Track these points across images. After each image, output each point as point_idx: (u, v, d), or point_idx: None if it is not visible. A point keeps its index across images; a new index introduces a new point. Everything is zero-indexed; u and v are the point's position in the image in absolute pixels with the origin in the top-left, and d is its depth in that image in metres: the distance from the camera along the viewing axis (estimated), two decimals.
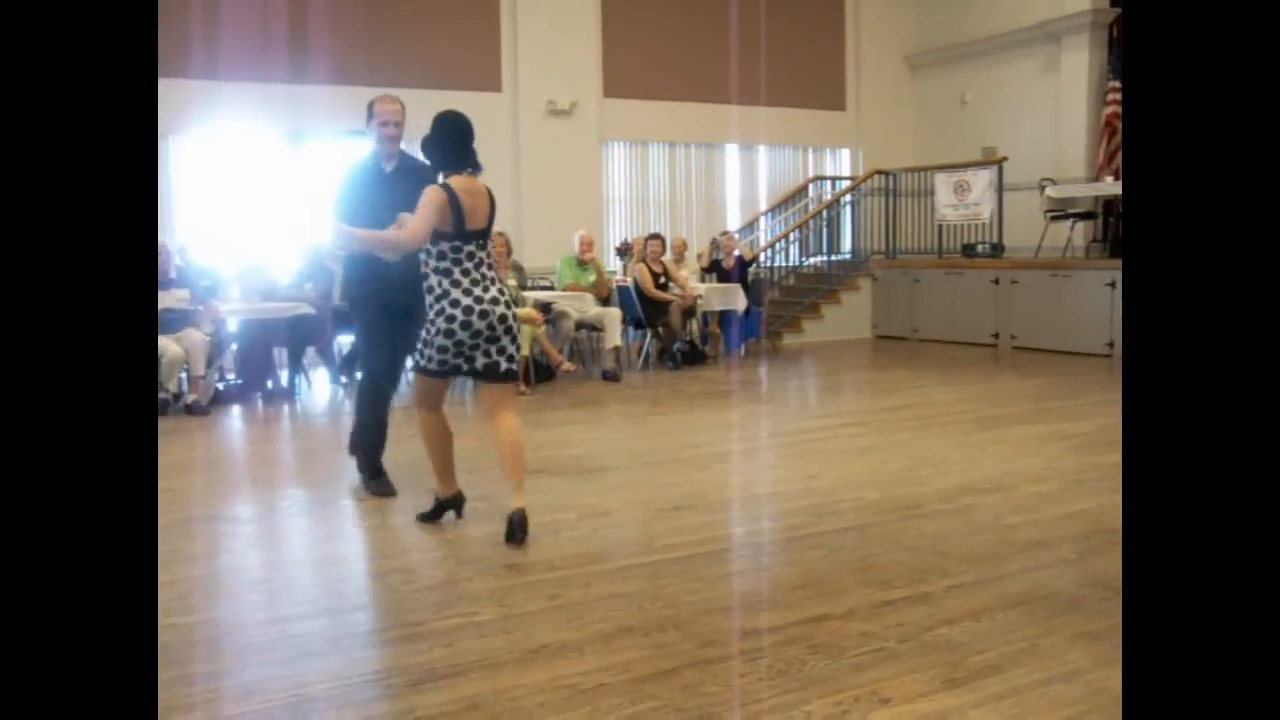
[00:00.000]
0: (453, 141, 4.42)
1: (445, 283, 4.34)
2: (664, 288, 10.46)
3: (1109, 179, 11.53)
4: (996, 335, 11.71)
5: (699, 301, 10.82)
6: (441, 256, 4.33)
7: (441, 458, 4.69)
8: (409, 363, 4.98)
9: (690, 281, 10.94)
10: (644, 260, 10.51)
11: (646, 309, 10.34)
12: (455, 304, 4.32)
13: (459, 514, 4.77)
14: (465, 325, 4.32)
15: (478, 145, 4.47)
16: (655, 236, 10.80)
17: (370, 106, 5.23)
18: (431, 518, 4.74)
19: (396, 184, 4.99)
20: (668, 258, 10.95)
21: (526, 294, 9.54)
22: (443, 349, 4.37)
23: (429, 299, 4.41)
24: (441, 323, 4.34)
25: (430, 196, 4.25)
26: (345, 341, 9.45)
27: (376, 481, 5.34)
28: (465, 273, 4.35)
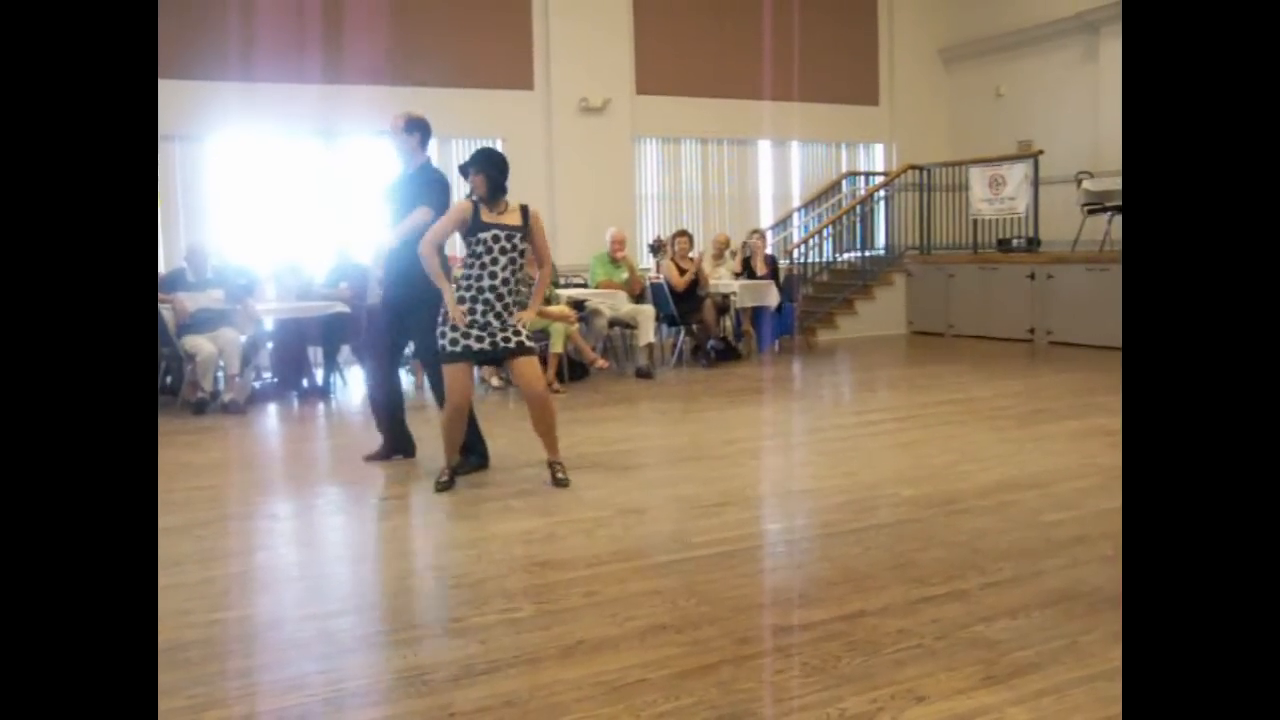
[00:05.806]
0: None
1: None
2: (693, 284, 10.40)
3: None
4: (1033, 330, 11.60)
5: (732, 299, 10.78)
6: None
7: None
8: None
9: (725, 279, 10.88)
10: (672, 257, 10.48)
11: (679, 306, 10.31)
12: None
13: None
14: None
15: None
16: (682, 233, 10.71)
17: None
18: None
19: (403, 189, 5.61)
20: (699, 253, 10.87)
21: (559, 291, 9.55)
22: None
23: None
24: None
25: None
26: None
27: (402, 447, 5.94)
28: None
